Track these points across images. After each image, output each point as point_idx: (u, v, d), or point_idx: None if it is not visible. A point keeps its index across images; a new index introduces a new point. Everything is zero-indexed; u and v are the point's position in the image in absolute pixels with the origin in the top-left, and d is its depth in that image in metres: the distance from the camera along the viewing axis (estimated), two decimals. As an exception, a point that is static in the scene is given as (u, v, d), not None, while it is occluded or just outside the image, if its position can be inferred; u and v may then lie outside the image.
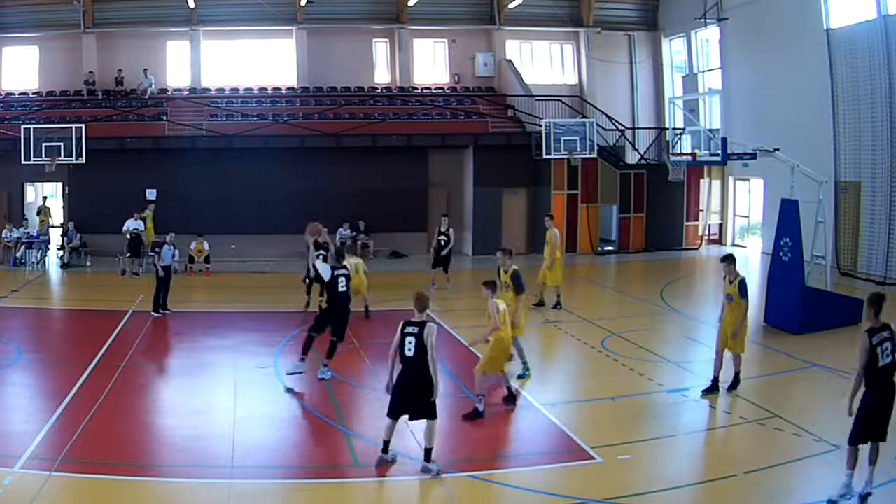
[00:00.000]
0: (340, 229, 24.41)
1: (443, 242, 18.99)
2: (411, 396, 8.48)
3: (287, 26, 27.64)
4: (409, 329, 8.46)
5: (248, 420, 10.02)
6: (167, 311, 16.31)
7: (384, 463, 8.54)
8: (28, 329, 15.33)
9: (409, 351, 8.41)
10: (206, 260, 21.90)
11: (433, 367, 8.37)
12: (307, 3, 26.94)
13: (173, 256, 17.06)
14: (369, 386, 11.58)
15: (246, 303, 18.42)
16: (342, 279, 11.86)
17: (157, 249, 16.64)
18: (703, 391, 11.05)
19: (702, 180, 26.96)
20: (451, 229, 19.37)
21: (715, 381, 11.07)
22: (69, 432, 9.25)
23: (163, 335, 15.05)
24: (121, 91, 26.08)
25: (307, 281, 16.44)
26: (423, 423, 8.57)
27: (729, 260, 11.39)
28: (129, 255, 21.49)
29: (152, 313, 16.06)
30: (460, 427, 10.07)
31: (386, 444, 8.55)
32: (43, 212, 24.39)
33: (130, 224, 21.72)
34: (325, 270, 11.87)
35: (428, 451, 8.45)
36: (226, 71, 27.63)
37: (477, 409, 10.14)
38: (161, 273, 16.20)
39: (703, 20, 25.66)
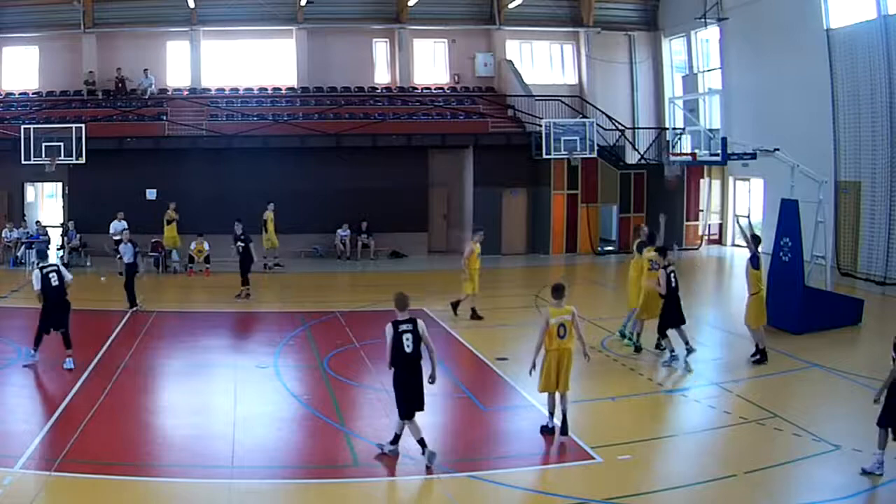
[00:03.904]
0: (339, 230, 24.39)
1: None
2: (418, 392, 8.65)
3: (287, 26, 27.65)
4: (404, 327, 8.60)
5: (248, 420, 10.01)
6: (137, 307, 16.42)
7: (392, 455, 8.66)
8: (28, 329, 15.27)
9: (409, 347, 8.58)
10: (206, 260, 21.86)
11: (432, 356, 8.77)
12: (307, 3, 26.94)
13: (136, 253, 16.84)
14: (369, 386, 11.59)
15: (246, 303, 18.42)
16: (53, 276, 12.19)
17: (115, 247, 16.57)
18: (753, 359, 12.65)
19: (702, 180, 26.97)
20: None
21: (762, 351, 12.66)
22: (69, 432, 9.24)
23: (162, 335, 15.04)
24: (120, 90, 26.04)
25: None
26: (420, 419, 8.61)
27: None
28: (119, 257, 21.43)
29: (130, 310, 16.18)
30: (460, 427, 10.08)
31: (421, 441, 8.51)
32: (171, 223, 22.41)
33: (117, 226, 21.42)
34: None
35: (422, 440, 8.52)
36: (226, 71, 27.63)
37: (547, 426, 9.65)
38: (121, 271, 16.22)
39: (703, 20, 25.66)
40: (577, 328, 9.50)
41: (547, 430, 9.58)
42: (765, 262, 16.90)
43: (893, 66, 18.84)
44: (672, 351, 12.68)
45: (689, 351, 12.66)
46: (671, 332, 12.79)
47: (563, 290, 9.60)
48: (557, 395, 9.54)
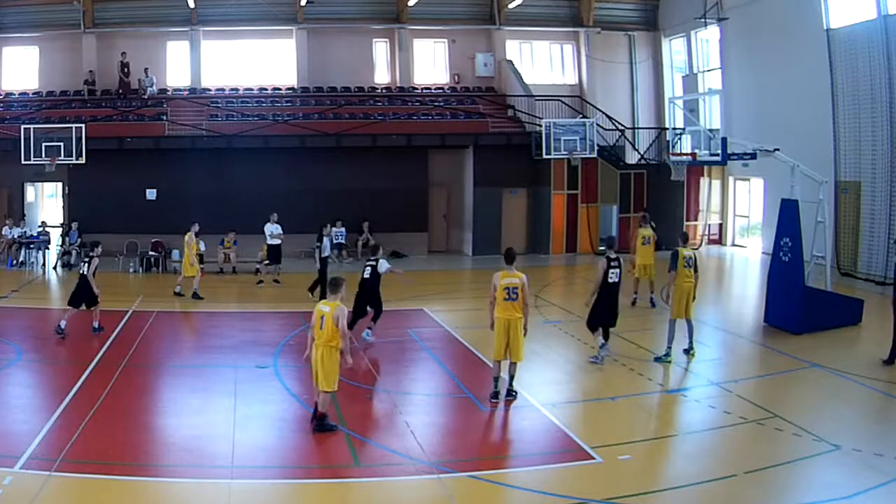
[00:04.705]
0: (335, 229, 24.18)
1: None
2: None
3: (287, 26, 27.65)
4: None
5: (248, 420, 10.01)
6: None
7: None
8: (28, 329, 15.32)
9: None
10: (201, 260, 21.66)
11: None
12: (307, 3, 26.95)
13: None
14: (369, 386, 11.59)
15: (245, 303, 18.44)
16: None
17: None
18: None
19: (702, 179, 26.96)
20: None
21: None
22: (69, 432, 9.23)
23: (163, 335, 15.05)
24: (124, 83, 26.00)
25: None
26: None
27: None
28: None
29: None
30: (460, 427, 10.08)
31: None
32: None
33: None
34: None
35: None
36: (226, 71, 27.63)
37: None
38: None
39: (703, 20, 25.66)
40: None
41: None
42: (765, 262, 16.93)
43: (893, 66, 18.84)
44: (601, 348, 12.44)
45: (602, 350, 12.50)
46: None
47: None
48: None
